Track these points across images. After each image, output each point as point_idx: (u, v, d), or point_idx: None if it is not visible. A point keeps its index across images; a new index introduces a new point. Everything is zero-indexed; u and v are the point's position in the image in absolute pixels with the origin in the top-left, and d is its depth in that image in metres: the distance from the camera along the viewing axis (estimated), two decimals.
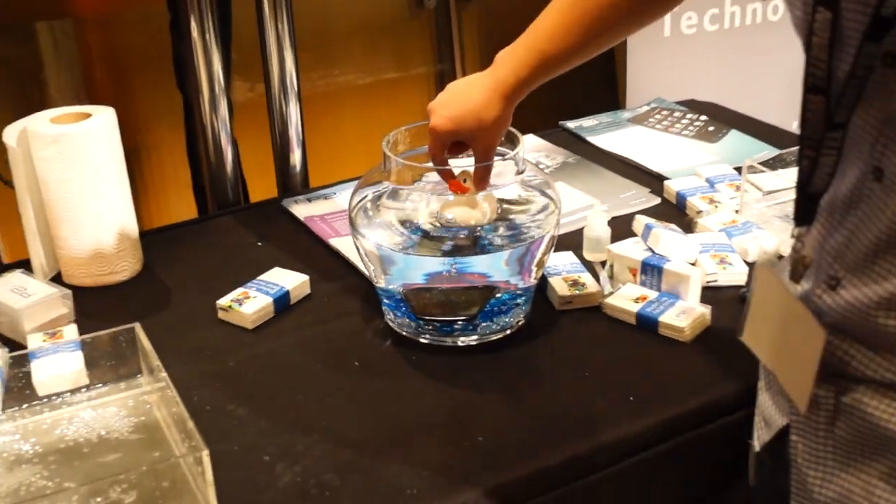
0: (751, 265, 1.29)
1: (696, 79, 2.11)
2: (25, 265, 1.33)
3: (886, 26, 0.66)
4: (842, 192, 0.75)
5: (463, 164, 1.16)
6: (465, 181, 1.14)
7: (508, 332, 1.18)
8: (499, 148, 1.19)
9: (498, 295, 1.15)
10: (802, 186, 0.77)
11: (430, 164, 1.15)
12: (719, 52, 2.16)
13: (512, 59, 1.08)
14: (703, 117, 1.83)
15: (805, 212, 0.78)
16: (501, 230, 1.15)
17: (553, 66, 1.08)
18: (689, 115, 1.84)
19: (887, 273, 0.72)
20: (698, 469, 1.06)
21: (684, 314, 1.17)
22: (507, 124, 1.13)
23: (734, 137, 1.74)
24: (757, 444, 0.94)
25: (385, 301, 1.20)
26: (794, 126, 2.36)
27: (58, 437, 1.04)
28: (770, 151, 1.58)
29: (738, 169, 1.50)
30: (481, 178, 1.13)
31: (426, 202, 1.17)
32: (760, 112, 1.86)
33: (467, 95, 1.10)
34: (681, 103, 1.92)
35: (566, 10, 1.06)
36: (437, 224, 1.15)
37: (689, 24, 2.13)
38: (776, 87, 2.33)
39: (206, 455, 0.88)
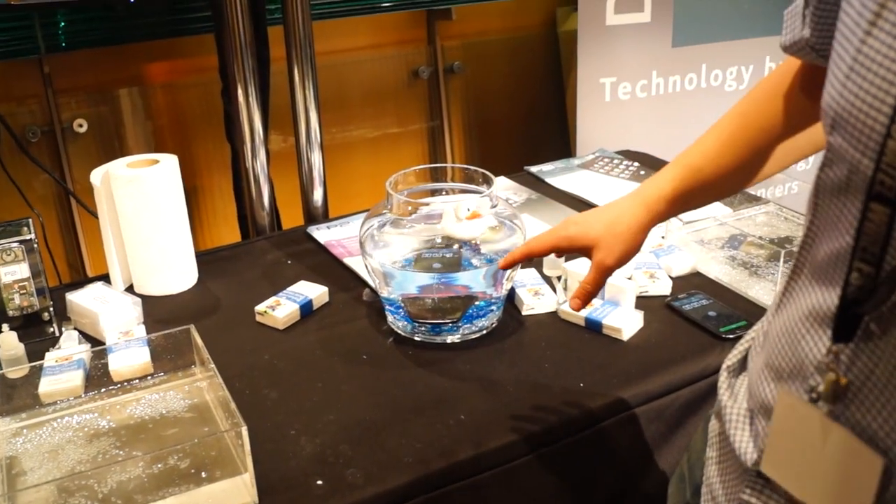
0: (674, 279, 1.28)
1: (630, 134, 2.11)
2: (105, 278, 1.31)
3: None
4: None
5: (458, 198, 1.15)
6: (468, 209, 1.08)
7: (485, 332, 1.16)
8: (475, 187, 1.17)
9: (476, 303, 1.13)
10: (849, 304, 0.52)
11: (424, 200, 1.13)
12: (648, 113, 2.16)
13: (658, 175, 0.86)
14: (636, 164, 1.82)
15: (845, 326, 0.53)
16: (479, 251, 1.13)
17: (704, 182, 0.83)
18: (625, 162, 1.83)
19: None
20: (633, 441, 1.04)
21: (622, 318, 1.15)
22: (638, 239, 0.85)
23: None
24: None
25: (387, 308, 1.18)
26: None
27: (128, 414, 1.01)
28: None
29: None
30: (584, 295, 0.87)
31: (448, 219, 1.10)
32: None
33: (608, 205, 0.88)
34: (619, 153, 1.91)
35: (722, 129, 0.83)
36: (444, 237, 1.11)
37: (624, 92, 2.13)
38: (690, 140, 2.34)
39: (244, 430, 0.86)
